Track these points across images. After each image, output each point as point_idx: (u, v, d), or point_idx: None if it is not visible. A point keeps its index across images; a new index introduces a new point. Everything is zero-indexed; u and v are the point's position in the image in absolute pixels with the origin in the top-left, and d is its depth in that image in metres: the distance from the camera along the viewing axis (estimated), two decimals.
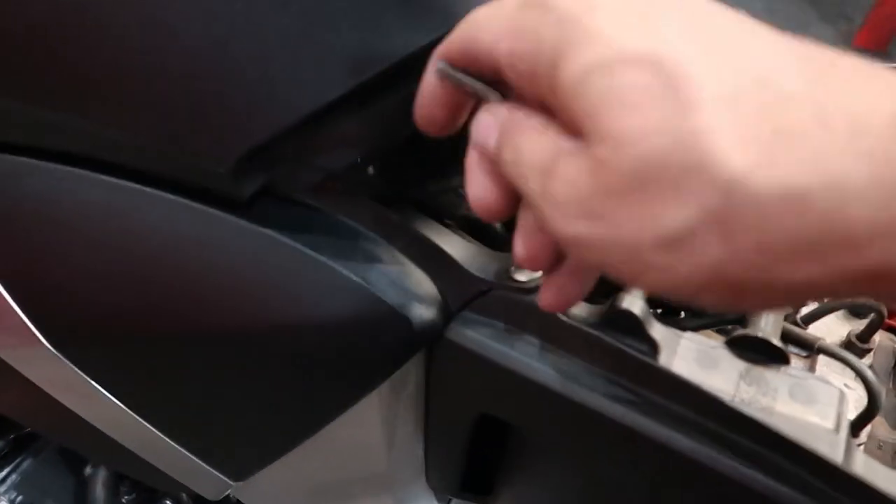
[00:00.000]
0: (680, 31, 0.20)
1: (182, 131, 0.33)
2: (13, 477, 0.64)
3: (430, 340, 0.40)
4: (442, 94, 0.28)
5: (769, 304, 0.23)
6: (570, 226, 0.21)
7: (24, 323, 0.39)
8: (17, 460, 0.65)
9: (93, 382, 0.42)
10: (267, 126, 0.33)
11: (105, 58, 0.32)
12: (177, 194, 0.36)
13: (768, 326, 0.37)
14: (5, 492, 0.63)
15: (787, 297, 0.20)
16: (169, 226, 0.37)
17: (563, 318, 0.37)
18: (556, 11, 0.21)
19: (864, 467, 0.32)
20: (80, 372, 0.41)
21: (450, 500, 0.54)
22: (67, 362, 0.41)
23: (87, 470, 0.67)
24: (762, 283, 0.19)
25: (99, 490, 0.65)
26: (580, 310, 0.38)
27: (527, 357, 0.38)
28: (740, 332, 0.37)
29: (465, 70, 0.26)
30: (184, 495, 0.66)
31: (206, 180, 0.35)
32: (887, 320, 0.44)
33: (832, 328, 0.44)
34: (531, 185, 0.23)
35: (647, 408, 0.35)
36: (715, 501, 0.35)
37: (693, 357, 0.36)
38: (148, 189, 0.36)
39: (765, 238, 0.18)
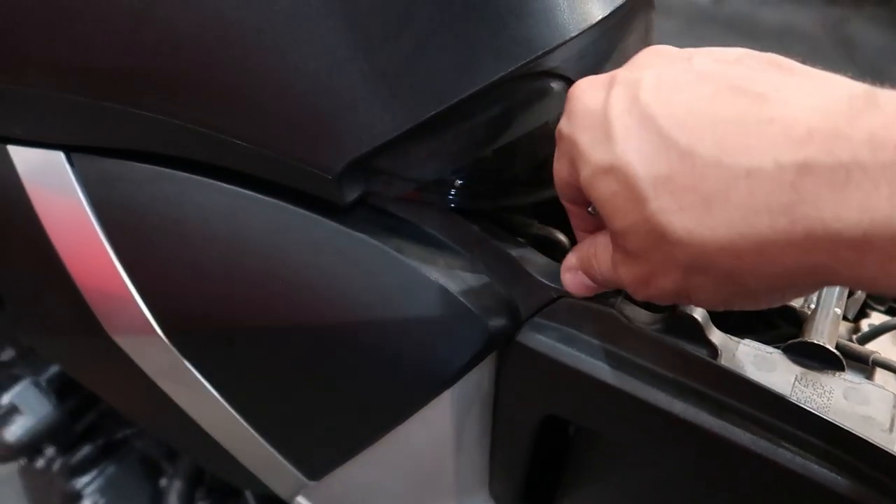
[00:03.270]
0: (626, 139, 0.27)
1: (296, 141, 0.39)
2: (98, 480, 0.68)
3: (503, 343, 0.43)
4: None
5: (743, 297, 0.29)
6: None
7: (144, 314, 0.45)
8: (104, 465, 0.69)
9: (195, 372, 0.46)
10: (369, 138, 0.38)
11: (238, 78, 0.38)
12: (284, 200, 0.41)
13: (824, 336, 0.39)
14: (90, 494, 0.68)
15: (747, 294, 0.27)
16: (275, 228, 0.42)
17: (628, 322, 0.40)
18: (566, 140, 0.31)
19: None
20: (185, 361, 0.46)
21: None
22: (176, 352, 0.46)
23: (163, 481, 0.72)
24: (723, 293, 0.28)
25: (173, 500, 0.69)
26: (643, 316, 0.41)
27: (593, 358, 0.41)
28: (798, 339, 0.39)
29: None
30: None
31: (314, 187, 0.40)
32: None
33: (887, 350, 0.46)
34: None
35: (708, 404, 0.37)
36: (774, 494, 0.37)
37: (750, 361, 0.39)
38: (260, 195, 0.42)
39: (715, 271, 0.26)
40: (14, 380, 0.65)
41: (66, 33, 0.40)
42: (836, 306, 0.42)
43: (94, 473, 0.69)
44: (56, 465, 0.68)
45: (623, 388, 0.39)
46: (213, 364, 0.46)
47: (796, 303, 0.43)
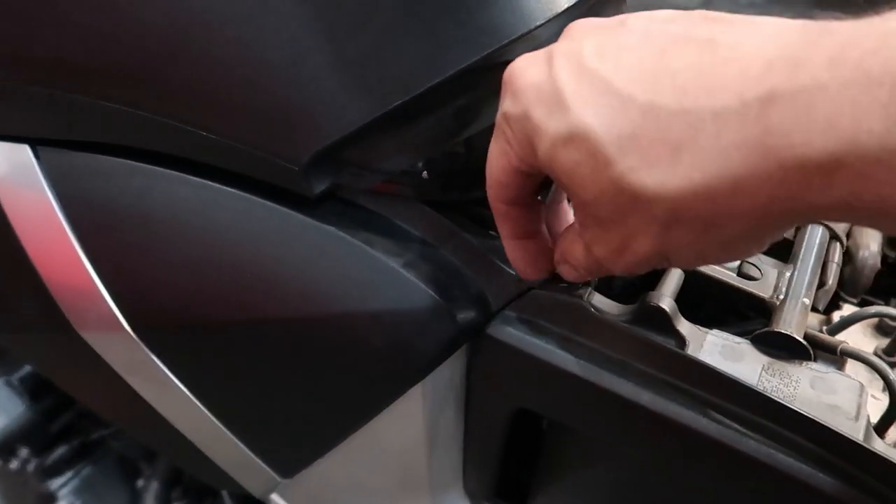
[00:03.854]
0: (582, 105, 0.27)
1: (264, 132, 0.39)
2: (74, 481, 0.68)
3: (473, 336, 0.43)
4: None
5: (722, 247, 0.28)
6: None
7: (112, 309, 0.44)
8: (79, 466, 0.69)
9: (164, 369, 0.46)
10: (336, 128, 0.38)
11: (203, 68, 0.38)
12: (253, 193, 0.41)
13: (792, 326, 0.39)
14: (66, 495, 0.67)
15: (726, 242, 0.27)
16: (244, 221, 0.42)
17: (597, 314, 0.40)
18: (513, 125, 0.30)
19: (885, 450, 0.34)
20: (154, 358, 0.46)
21: None
22: (145, 348, 0.45)
23: (140, 482, 0.71)
24: (702, 244, 0.27)
25: (150, 501, 0.68)
26: (613, 308, 0.41)
27: (562, 350, 0.40)
28: (766, 329, 0.39)
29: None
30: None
31: (281, 179, 0.40)
32: None
33: (858, 343, 0.46)
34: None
35: (676, 395, 0.37)
36: (741, 483, 0.37)
37: (718, 351, 0.39)
38: (228, 188, 0.41)
39: (693, 221, 0.26)
40: None
41: (31, 25, 0.39)
42: (804, 297, 0.42)
43: (69, 474, 0.68)
44: (31, 467, 0.67)
45: (592, 379, 0.39)
46: (182, 360, 0.46)
47: (765, 293, 0.43)
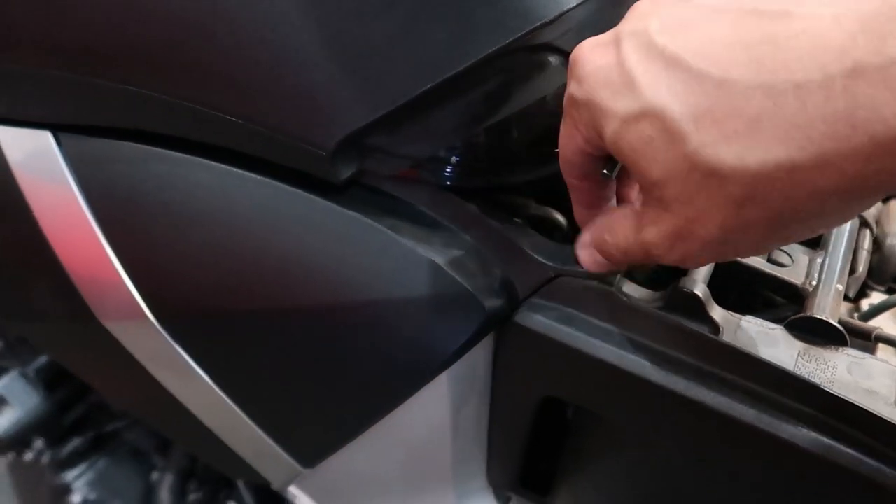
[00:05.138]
0: (654, 83, 0.26)
1: (290, 117, 0.38)
2: (89, 474, 0.67)
3: (500, 323, 0.42)
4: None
5: (796, 225, 0.27)
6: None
7: (134, 297, 0.44)
8: (94, 458, 0.68)
9: (187, 357, 0.46)
10: (364, 113, 0.37)
11: (229, 52, 0.37)
12: (277, 178, 0.41)
13: (826, 312, 0.39)
14: (80, 487, 0.67)
15: (802, 221, 0.26)
16: (268, 207, 0.41)
17: (626, 300, 0.40)
18: (580, 110, 0.30)
19: None
20: (177, 346, 0.45)
21: (508, 499, 0.55)
22: (167, 336, 0.45)
23: (154, 475, 0.70)
24: (776, 225, 0.26)
25: (165, 494, 0.68)
26: (643, 294, 0.41)
27: (591, 337, 0.40)
28: (801, 315, 0.39)
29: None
30: (248, 498, 0.68)
31: (307, 164, 0.39)
32: None
33: (889, 330, 0.46)
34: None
35: (709, 380, 0.37)
36: (779, 469, 0.36)
37: (752, 337, 0.38)
38: (252, 174, 0.41)
39: (772, 199, 0.25)
40: (1, 371, 0.64)
41: (54, 8, 0.39)
42: (837, 283, 0.41)
43: (83, 467, 0.68)
44: (45, 459, 0.67)
45: (623, 366, 0.39)
46: (205, 349, 0.46)
47: (797, 279, 0.42)
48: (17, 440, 0.63)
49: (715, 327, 0.39)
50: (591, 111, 0.29)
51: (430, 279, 0.41)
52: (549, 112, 0.42)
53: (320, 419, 0.48)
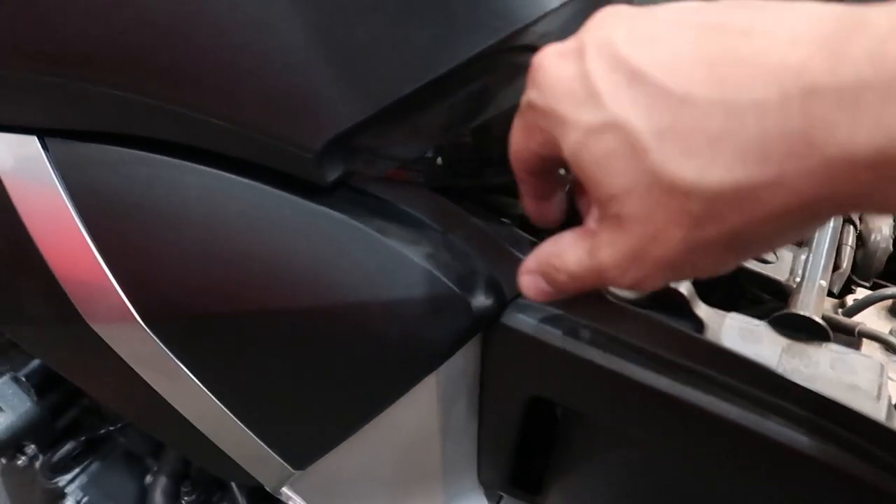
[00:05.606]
0: (618, 96, 0.26)
1: (275, 119, 0.38)
2: (82, 477, 0.67)
3: (487, 324, 0.42)
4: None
5: (755, 243, 0.27)
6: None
7: (123, 301, 0.44)
8: (87, 462, 0.68)
9: (176, 360, 0.46)
10: (350, 115, 0.37)
11: (213, 55, 0.38)
12: (263, 181, 0.41)
13: (810, 308, 0.39)
14: (74, 491, 0.67)
15: (760, 238, 0.26)
16: (254, 210, 0.41)
17: (612, 299, 0.40)
18: (538, 117, 0.30)
19: None
20: (166, 349, 0.45)
21: (499, 499, 0.56)
22: (156, 339, 0.45)
23: (148, 478, 0.70)
24: (735, 244, 0.26)
25: (158, 497, 0.68)
26: (629, 292, 0.41)
27: (577, 338, 0.40)
28: (784, 311, 0.39)
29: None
30: (239, 499, 0.68)
31: (293, 167, 0.39)
32: None
33: (873, 325, 0.46)
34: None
35: (694, 378, 0.37)
36: (763, 466, 0.37)
37: (736, 334, 0.39)
38: (237, 177, 0.41)
39: (730, 217, 0.25)
40: None
41: (38, 12, 0.39)
42: (821, 279, 0.42)
43: (77, 471, 0.68)
44: (38, 463, 0.67)
45: (609, 366, 0.39)
46: (194, 352, 0.46)
47: (781, 276, 0.43)
48: (9, 445, 0.63)
49: (700, 324, 0.39)
50: (551, 120, 0.29)
51: (417, 281, 0.41)
52: None
53: (310, 422, 0.48)
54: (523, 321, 0.41)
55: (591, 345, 0.40)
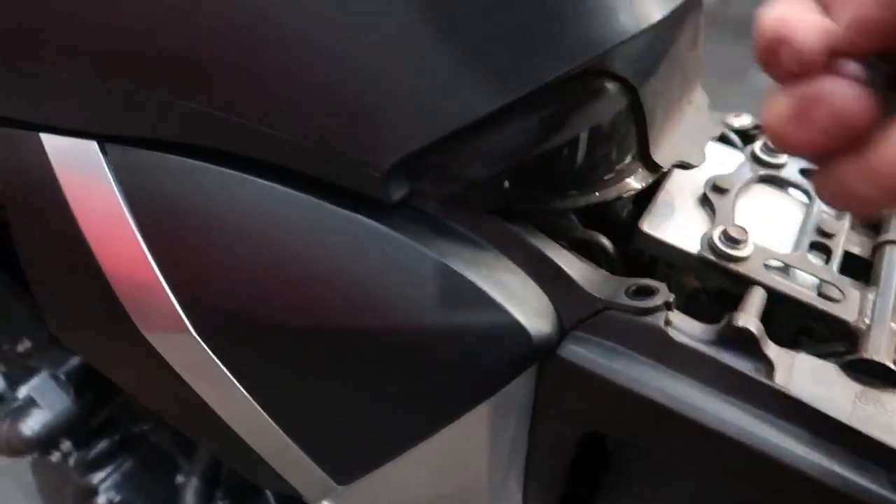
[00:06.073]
0: None
1: (346, 137, 0.37)
2: (115, 476, 0.67)
3: (545, 355, 0.41)
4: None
5: None
6: None
7: (177, 311, 0.43)
8: (120, 461, 0.68)
9: (226, 372, 0.45)
10: (422, 135, 0.37)
11: (285, 68, 0.37)
12: (323, 197, 0.40)
13: (881, 352, 0.38)
14: (106, 490, 0.67)
15: None
16: (313, 227, 0.41)
17: (677, 338, 0.39)
18: None
19: None
20: (217, 360, 0.45)
21: None
22: (208, 350, 0.44)
23: (179, 478, 0.70)
24: None
25: (190, 497, 0.68)
26: (695, 328, 0.40)
27: (639, 375, 0.39)
28: (857, 355, 0.38)
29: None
30: None
31: (359, 184, 0.39)
32: None
33: None
34: None
35: (760, 426, 0.36)
36: None
37: (807, 376, 0.37)
38: (297, 192, 0.40)
39: None
40: (30, 372, 0.64)
41: (107, 18, 0.38)
42: (891, 320, 0.41)
43: (109, 469, 0.68)
44: (71, 460, 0.67)
45: (669, 405, 0.38)
46: (245, 364, 0.45)
47: (850, 316, 0.41)
48: (46, 441, 0.63)
49: (769, 365, 0.38)
50: None
51: (478, 307, 0.40)
52: (604, 137, 0.41)
53: (359, 439, 0.47)
54: (581, 355, 0.41)
55: (651, 383, 0.39)
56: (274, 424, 0.47)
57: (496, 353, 0.41)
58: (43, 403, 0.62)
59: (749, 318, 0.38)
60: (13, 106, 0.42)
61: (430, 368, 0.42)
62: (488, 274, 0.41)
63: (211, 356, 0.44)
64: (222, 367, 0.45)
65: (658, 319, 0.39)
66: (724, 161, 0.52)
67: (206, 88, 0.39)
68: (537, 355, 0.41)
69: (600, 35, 0.36)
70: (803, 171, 0.51)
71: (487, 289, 0.40)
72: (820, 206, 0.49)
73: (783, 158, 0.51)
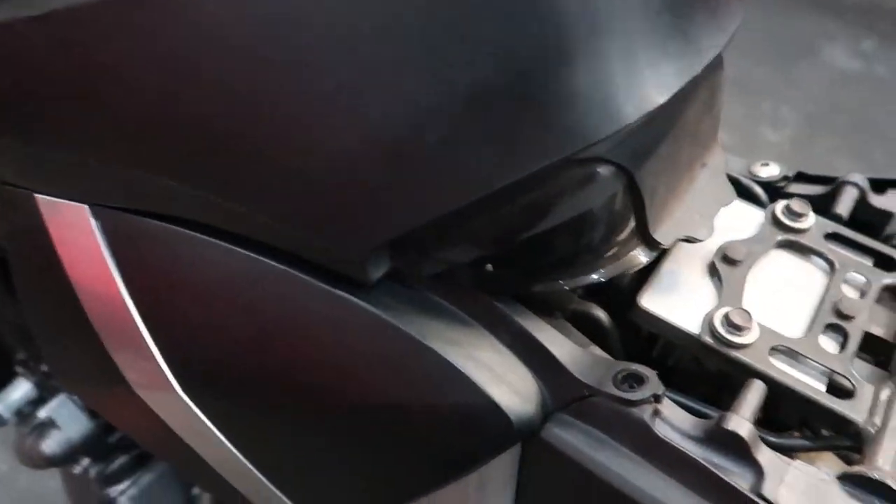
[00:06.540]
0: None
1: (322, 220, 0.36)
2: (132, 489, 0.70)
3: (526, 437, 0.40)
4: None
5: None
6: None
7: (162, 369, 0.44)
8: (137, 475, 0.71)
9: (213, 428, 0.46)
10: (401, 222, 0.35)
11: (260, 151, 0.36)
12: (306, 273, 0.39)
13: (886, 465, 0.35)
14: (125, 501, 0.69)
15: None
16: (296, 301, 0.40)
17: (662, 434, 0.37)
18: None
19: None
20: (204, 418, 0.45)
21: None
22: (194, 407, 0.45)
23: (195, 490, 0.73)
24: None
25: None
26: (684, 422, 0.38)
27: (621, 470, 0.37)
28: (857, 468, 0.35)
29: None
30: None
31: (339, 265, 0.38)
32: None
33: None
34: None
35: None
36: None
37: (801, 489, 0.35)
38: (283, 266, 0.39)
39: None
40: (52, 391, 0.67)
41: (95, 104, 0.38)
42: None
43: (128, 483, 0.70)
44: (92, 472, 0.70)
45: None
46: (232, 425, 0.45)
47: (859, 416, 0.38)
48: (66, 459, 0.66)
49: (759, 473, 0.36)
50: None
51: (457, 389, 0.39)
52: (595, 222, 0.39)
53: (343, 499, 0.48)
54: (564, 440, 0.39)
55: (631, 479, 0.37)
56: (265, 480, 0.48)
57: (475, 434, 0.40)
58: (61, 424, 0.65)
59: (741, 421, 0.36)
60: (7, 170, 0.43)
61: (407, 446, 0.41)
62: (470, 353, 0.40)
63: (197, 413, 0.45)
64: (208, 423, 0.45)
65: (644, 412, 0.37)
66: (741, 222, 0.48)
67: (196, 170, 0.38)
68: (518, 437, 0.40)
69: (592, 124, 0.34)
70: (830, 236, 0.48)
71: (467, 369, 0.39)
72: (842, 277, 0.45)
73: (807, 222, 0.47)
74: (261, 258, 0.40)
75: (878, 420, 0.38)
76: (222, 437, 0.46)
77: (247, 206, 0.37)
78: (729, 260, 0.45)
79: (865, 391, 0.40)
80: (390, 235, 0.36)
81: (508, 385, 0.39)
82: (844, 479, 0.36)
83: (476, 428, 0.40)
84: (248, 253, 0.40)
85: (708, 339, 0.41)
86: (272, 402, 0.43)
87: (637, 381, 0.38)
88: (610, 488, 0.37)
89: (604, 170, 0.36)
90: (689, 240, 0.42)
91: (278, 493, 0.49)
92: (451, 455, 0.41)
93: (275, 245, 0.39)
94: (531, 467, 0.42)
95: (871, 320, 0.44)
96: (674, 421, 0.38)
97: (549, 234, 0.38)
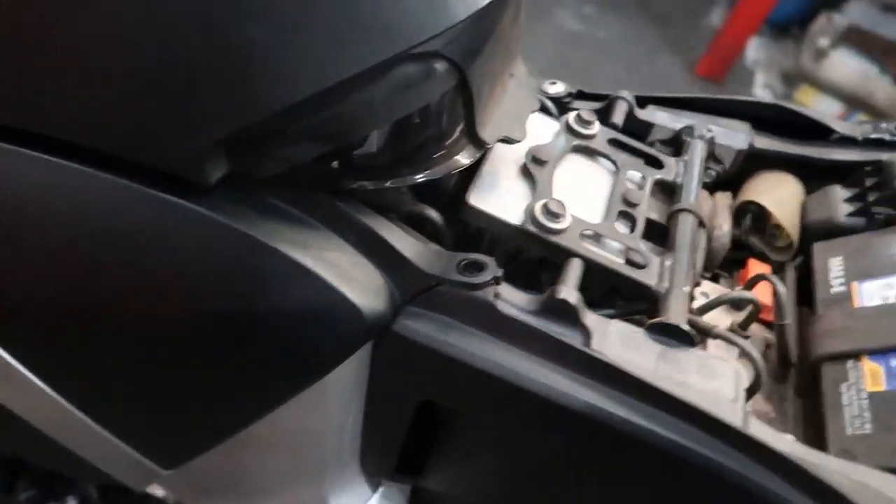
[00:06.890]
0: None
1: (156, 115, 0.34)
2: None
3: (379, 331, 0.42)
4: None
5: None
6: None
7: None
8: None
9: (21, 367, 0.41)
10: (239, 117, 0.34)
11: (85, 40, 0.32)
12: (134, 180, 0.36)
13: (678, 315, 0.43)
14: None
15: None
16: (124, 211, 0.37)
17: (504, 311, 0.41)
18: None
19: (757, 429, 0.39)
20: (9, 357, 0.40)
21: (379, 484, 0.57)
22: (4, 354, 0.39)
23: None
24: None
25: None
26: (521, 299, 0.42)
27: (470, 347, 0.41)
28: (656, 319, 0.42)
29: None
30: (92, 491, 0.63)
31: (172, 165, 0.36)
32: (761, 315, 0.52)
33: (717, 318, 0.51)
34: None
35: (578, 388, 0.40)
36: (635, 467, 0.40)
37: (619, 341, 0.41)
38: (104, 174, 0.36)
39: None
40: None
41: None
42: (685, 285, 0.46)
43: None
44: None
45: (499, 375, 0.40)
46: (44, 359, 0.41)
47: (651, 281, 0.46)
48: None
49: (587, 332, 0.41)
50: None
51: (308, 288, 0.39)
52: (432, 118, 0.41)
53: (185, 425, 0.45)
54: (415, 330, 0.41)
55: (482, 355, 0.41)
56: (84, 417, 0.44)
57: (329, 333, 0.41)
58: None
59: (568, 290, 0.41)
60: None
61: (260, 353, 0.41)
62: (318, 254, 0.40)
63: (9, 361, 0.40)
64: (15, 362, 0.40)
65: (487, 294, 0.41)
66: (541, 130, 0.54)
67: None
68: (372, 332, 0.41)
69: (430, 20, 0.36)
70: (611, 142, 0.55)
71: (316, 269, 0.39)
72: (625, 175, 0.53)
73: (594, 129, 0.54)
74: (80, 166, 0.36)
75: (665, 284, 0.46)
76: (31, 376, 0.41)
77: (65, 97, 0.33)
78: (538, 161, 0.50)
79: (654, 262, 0.47)
80: (225, 131, 0.35)
81: (358, 282, 0.41)
82: (649, 328, 0.43)
83: (329, 327, 0.40)
84: (62, 160, 0.35)
85: (531, 228, 0.45)
86: (97, 327, 0.39)
87: (477, 267, 0.42)
88: (464, 366, 0.41)
89: (440, 65, 0.38)
90: (507, 140, 0.46)
91: (104, 431, 0.45)
92: (303, 360, 0.41)
93: (99, 148, 0.35)
94: (385, 363, 0.43)
95: (649, 208, 0.52)
96: (512, 299, 0.42)
97: (388, 132, 0.39)
